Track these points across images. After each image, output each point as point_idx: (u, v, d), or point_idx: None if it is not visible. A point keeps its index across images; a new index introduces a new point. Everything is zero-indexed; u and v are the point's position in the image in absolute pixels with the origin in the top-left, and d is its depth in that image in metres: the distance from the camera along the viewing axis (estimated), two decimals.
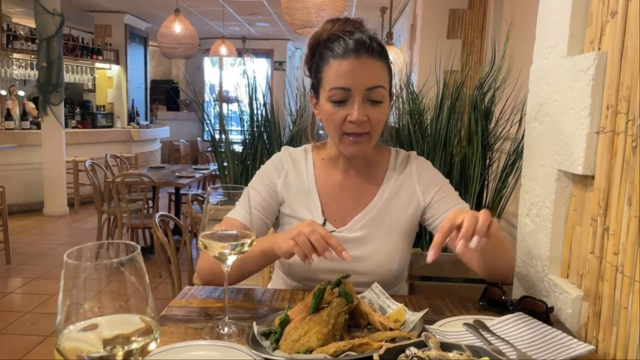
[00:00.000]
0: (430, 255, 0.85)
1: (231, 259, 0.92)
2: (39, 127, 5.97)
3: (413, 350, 0.77)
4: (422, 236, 1.97)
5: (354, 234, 1.20)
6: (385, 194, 1.23)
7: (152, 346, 0.53)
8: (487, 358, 0.75)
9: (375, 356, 0.74)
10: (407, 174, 1.24)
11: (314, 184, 1.24)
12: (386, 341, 0.82)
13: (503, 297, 1.08)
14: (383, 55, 1.12)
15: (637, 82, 0.86)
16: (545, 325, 0.93)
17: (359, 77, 1.08)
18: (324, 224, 1.20)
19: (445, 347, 0.78)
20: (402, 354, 0.77)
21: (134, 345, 0.51)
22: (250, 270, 1.15)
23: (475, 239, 0.86)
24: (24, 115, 6.41)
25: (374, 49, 1.09)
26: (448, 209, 1.18)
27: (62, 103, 5.88)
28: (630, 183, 0.86)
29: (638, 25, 0.86)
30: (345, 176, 1.24)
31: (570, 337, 0.89)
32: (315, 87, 1.17)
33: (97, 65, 8.10)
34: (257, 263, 1.13)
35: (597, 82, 0.96)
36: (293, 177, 1.25)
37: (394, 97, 1.22)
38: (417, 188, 1.23)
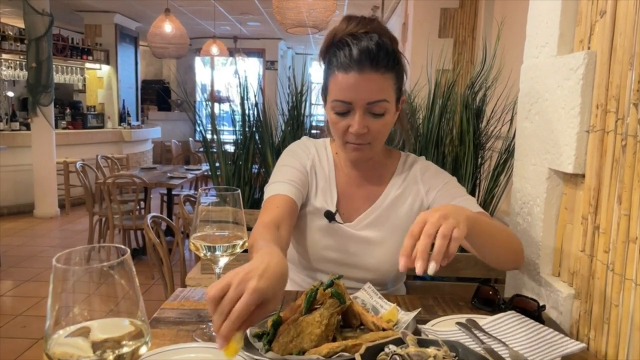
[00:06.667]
0: (401, 265, 0.79)
1: (223, 261, 0.91)
2: (28, 128, 5.91)
3: (392, 347, 0.77)
4: None
5: (360, 232, 1.22)
6: (390, 194, 1.25)
7: (143, 350, 0.53)
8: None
9: (357, 356, 0.74)
10: (412, 176, 1.27)
11: (334, 175, 1.27)
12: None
13: (495, 296, 1.08)
14: (390, 66, 1.09)
15: (626, 80, 0.87)
16: (537, 323, 0.93)
17: (360, 92, 1.08)
18: (335, 215, 1.22)
19: (423, 343, 0.79)
20: (382, 352, 0.77)
21: (125, 350, 0.51)
22: None
23: (432, 266, 0.78)
24: (13, 116, 6.34)
25: (379, 60, 1.07)
26: (452, 200, 1.18)
27: (52, 104, 5.82)
28: (620, 182, 0.87)
29: (627, 24, 0.87)
30: (355, 173, 1.27)
31: (562, 335, 0.89)
32: (324, 91, 1.19)
33: (87, 65, 8.02)
34: None
35: (586, 81, 0.96)
36: (318, 164, 1.28)
37: (403, 102, 1.21)
38: (420, 189, 1.25)
